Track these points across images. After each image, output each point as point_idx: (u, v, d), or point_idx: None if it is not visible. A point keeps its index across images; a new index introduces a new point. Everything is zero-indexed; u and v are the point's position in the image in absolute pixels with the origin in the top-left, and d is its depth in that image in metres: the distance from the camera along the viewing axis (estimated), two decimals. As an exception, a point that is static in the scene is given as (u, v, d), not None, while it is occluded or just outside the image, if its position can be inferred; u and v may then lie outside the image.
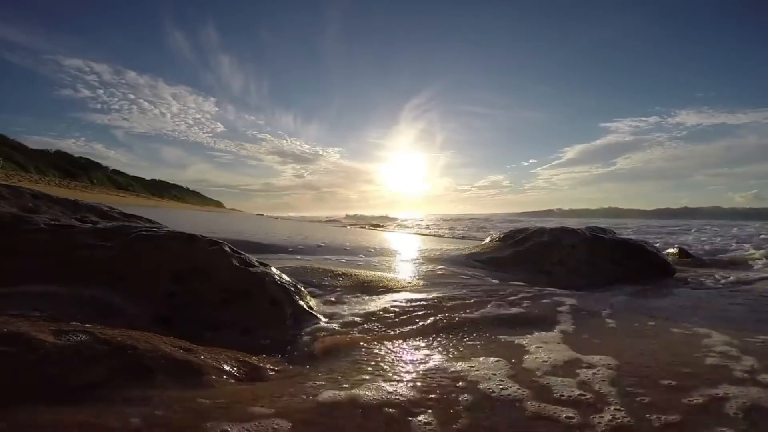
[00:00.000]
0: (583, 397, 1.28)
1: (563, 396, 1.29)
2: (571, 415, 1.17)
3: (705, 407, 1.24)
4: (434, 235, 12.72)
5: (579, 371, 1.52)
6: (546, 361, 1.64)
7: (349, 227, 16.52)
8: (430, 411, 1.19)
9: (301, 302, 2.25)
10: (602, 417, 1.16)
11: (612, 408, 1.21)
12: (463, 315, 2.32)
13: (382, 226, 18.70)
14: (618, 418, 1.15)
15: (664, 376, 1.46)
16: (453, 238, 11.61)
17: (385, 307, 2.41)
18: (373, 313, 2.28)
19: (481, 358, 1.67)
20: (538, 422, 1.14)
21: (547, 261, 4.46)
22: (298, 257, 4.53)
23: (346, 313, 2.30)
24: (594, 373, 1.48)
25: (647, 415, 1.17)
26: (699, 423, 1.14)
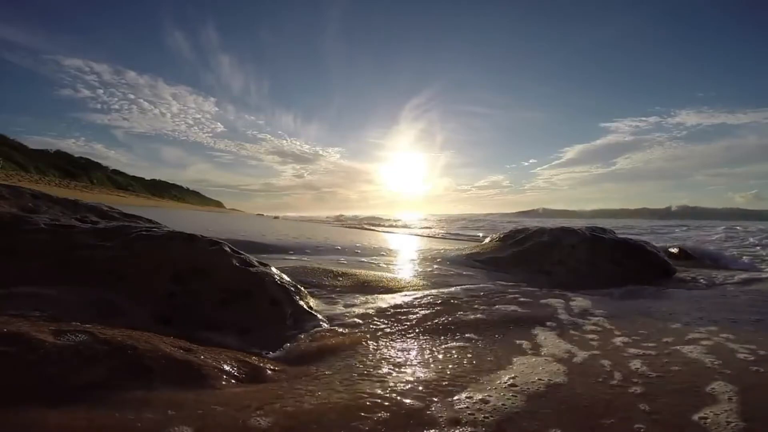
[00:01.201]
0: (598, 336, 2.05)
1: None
2: (597, 337, 2.01)
3: (675, 344, 1.90)
4: (426, 235, 12.72)
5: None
6: (548, 359, 1.64)
7: (347, 227, 16.51)
8: (432, 410, 1.19)
9: (301, 302, 2.25)
10: (614, 340, 1.96)
11: (619, 337, 2.00)
12: (464, 315, 2.32)
13: (367, 226, 18.38)
14: (625, 342, 1.93)
15: (650, 332, 2.12)
16: (443, 238, 11.61)
17: (385, 308, 2.41)
18: (373, 314, 2.28)
19: (484, 357, 1.67)
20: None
21: (547, 261, 4.45)
22: (298, 257, 4.53)
23: (346, 313, 2.30)
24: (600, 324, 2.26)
25: (641, 342, 1.93)
26: (674, 344, 1.90)
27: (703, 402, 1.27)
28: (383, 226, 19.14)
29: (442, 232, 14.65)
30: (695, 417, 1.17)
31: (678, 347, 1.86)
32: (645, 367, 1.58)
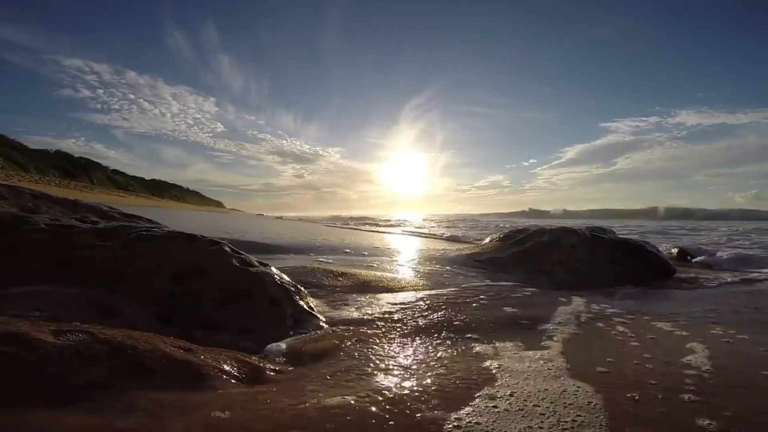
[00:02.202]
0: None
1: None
2: (600, 328, 2.23)
3: (671, 330, 2.23)
4: (411, 234, 12.70)
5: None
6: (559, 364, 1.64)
7: (343, 228, 16.48)
8: (435, 412, 1.19)
9: (301, 302, 2.25)
10: (615, 331, 2.18)
11: (620, 328, 2.23)
12: (465, 315, 2.32)
13: (353, 227, 17.96)
14: (625, 330, 2.16)
15: (648, 323, 2.36)
16: (432, 238, 11.60)
17: (385, 308, 2.41)
18: (373, 314, 2.28)
19: (484, 358, 1.67)
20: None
21: (547, 261, 4.45)
22: (299, 257, 4.53)
23: (346, 313, 2.30)
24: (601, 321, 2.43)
25: (640, 330, 2.20)
26: (669, 330, 2.21)
27: (687, 354, 1.79)
28: (379, 225, 19.02)
29: (424, 231, 14.43)
30: (683, 360, 1.70)
31: (674, 332, 2.15)
32: (643, 341, 1.99)
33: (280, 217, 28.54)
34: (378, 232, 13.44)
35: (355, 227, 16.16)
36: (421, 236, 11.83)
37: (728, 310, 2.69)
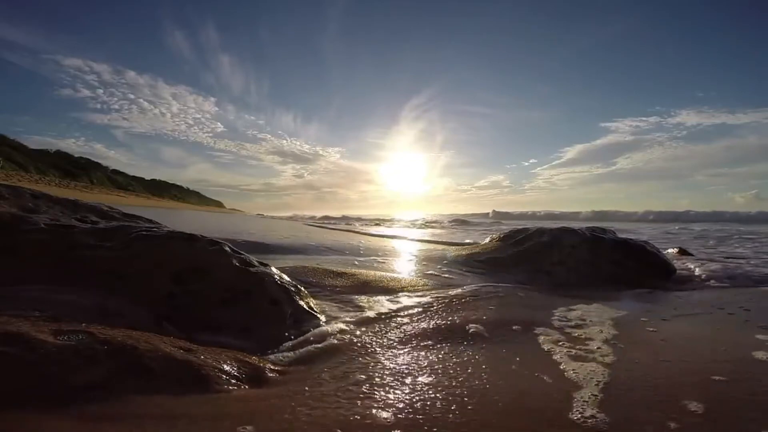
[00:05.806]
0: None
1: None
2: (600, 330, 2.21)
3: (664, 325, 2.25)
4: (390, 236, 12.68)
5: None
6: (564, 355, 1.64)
7: (344, 230, 16.47)
8: (438, 413, 1.19)
9: (302, 302, 2.25)
10: (612, 333, 2.14)
11: (615, 329, 2.19)
12: (468, 316, 2.32)
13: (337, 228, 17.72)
14: (624, 332, 2.17)
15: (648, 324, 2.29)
16: (419, 240, 11.59)
17: (387, 308, 2.41)
18: (374, 314, 2.28)
19: (486, 359, 1.67)
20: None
21: (547, 261, 4.45)
22: (299, 257, 4.52)
23: (347, 313, 2.29)
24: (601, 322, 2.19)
25: (630, 317, 2.45)
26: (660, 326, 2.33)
27: (690, 354, 1.74)
28: (376, 225, 19.02)
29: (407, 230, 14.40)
30: (685, 361, 1.71)
31: (677, 332, 2.03)
32: (647, 342, 1.96)
33: (269, 216, 28.59)
34: (372, 234, 13.43)
35: (350, 229, 16.15)
36: (416, 238, 11.81)
37: (731, 310, 2.69)
